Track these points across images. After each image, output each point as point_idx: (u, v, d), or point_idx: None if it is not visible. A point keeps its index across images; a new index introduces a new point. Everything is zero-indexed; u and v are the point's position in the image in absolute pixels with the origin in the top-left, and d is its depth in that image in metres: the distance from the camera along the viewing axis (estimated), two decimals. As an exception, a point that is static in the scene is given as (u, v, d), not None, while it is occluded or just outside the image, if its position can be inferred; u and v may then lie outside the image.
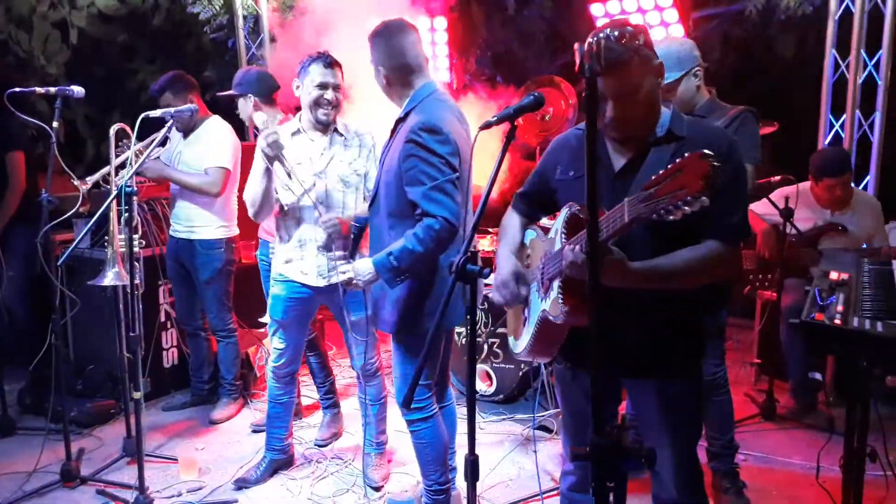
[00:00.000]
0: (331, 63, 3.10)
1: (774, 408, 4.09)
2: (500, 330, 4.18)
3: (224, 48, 6.32)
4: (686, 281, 1.89)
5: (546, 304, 1.96)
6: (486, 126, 1.96)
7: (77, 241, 3.01)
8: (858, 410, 2.26)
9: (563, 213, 1.95)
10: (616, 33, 1.82)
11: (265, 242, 3.92)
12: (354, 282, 2.61)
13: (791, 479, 3.40)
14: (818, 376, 4.17)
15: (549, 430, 3.90)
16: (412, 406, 2.74)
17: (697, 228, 1.87)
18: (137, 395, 3.14)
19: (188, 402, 4.38)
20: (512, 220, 2.30)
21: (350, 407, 4.20)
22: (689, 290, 1.93)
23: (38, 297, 4.05)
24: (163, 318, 4.47)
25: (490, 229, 5.02)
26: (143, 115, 3.05)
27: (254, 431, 4.01)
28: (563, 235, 1.90)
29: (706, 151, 1.50)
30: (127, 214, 3.02)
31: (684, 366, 2.04)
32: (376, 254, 2.60)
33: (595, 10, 5.01)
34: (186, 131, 4.01)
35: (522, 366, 4.14)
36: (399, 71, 2.61)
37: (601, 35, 1.84)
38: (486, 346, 4.25)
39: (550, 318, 1.93)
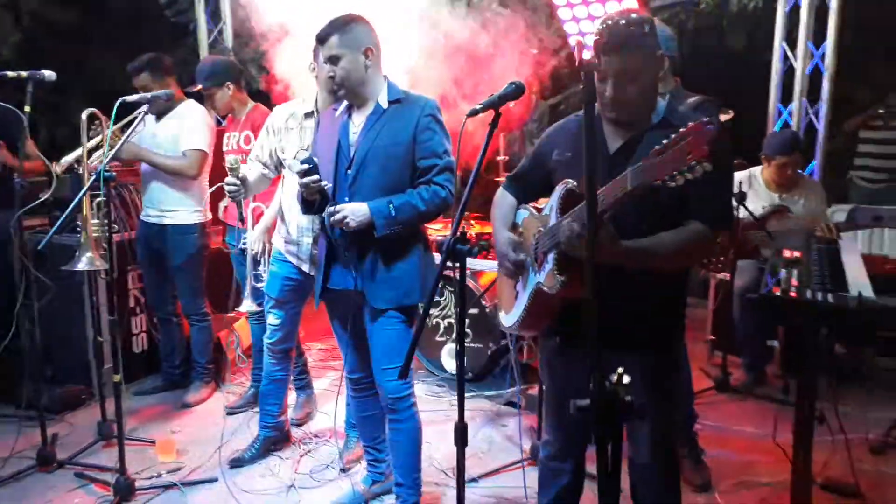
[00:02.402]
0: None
1: (728, 381, 4.33)
2: (471, 311, 4.30)
3: (184, 31, 6.27)
4: (669, 261, 2.02)
5: (541, 276, 2.08)
6: (473, 113, 2.06)
7: (56, 226, 3.01)
8: (809, 377, 2.46)
9: (559, 190, 2.06)
10: (623, 19, 1.97)
11: (232, 228, 3.94)
12: (346, 221, 2.57)
13: (747, 446, 3.63)
14: (776, 344, 4.46)
15: (515, 405, 4.06)
16: (405, 396, 2.79)
17: (682, 210, 2.00)
18: (117, 377, 3.18)
19: (159, 387, 4.39)
20: (504, 200, 2.41)
21: (321, 387, 4.28)
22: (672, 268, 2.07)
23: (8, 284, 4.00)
24: (132, 304, 4.47)
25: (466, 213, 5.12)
26: (120, 100, 3.06)
27: (228, 414, 4.06)
28: (558, 211, 2.02)
29: (707, 119, 1.58)
30: (103, 199, 3.04)
31: (666, 340, 2.17)
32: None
33: (557, -1, 5.12)
34: (160, 114, 4.01)
35: (490, 345, 4.28)
36: (378, 52, 2.69)
37: (609, 20, 1.97)
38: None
39: (545, 289, 2.04)
